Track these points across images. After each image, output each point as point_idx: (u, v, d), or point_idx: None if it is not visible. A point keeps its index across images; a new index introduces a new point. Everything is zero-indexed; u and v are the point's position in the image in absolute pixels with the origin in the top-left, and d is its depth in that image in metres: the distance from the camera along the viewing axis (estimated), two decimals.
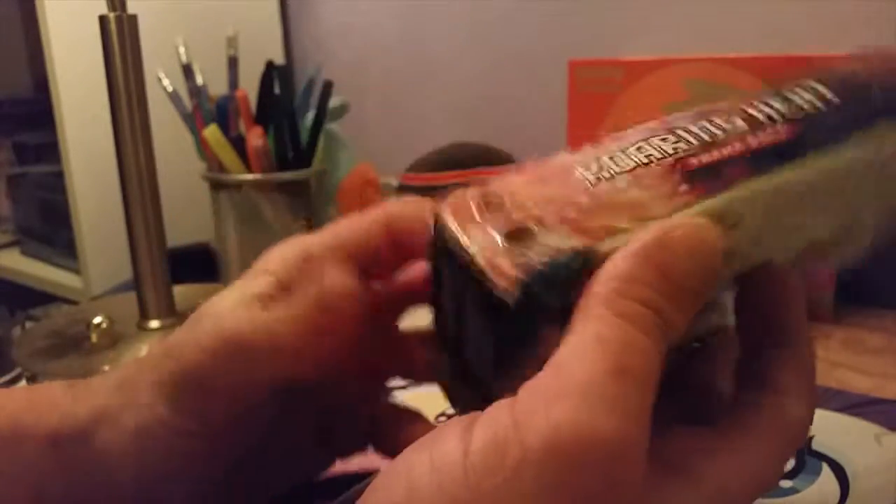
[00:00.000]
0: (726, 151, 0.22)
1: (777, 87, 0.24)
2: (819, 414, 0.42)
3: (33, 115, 1.15)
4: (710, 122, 0.23)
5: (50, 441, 0.25)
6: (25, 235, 1.04)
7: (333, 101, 0.71)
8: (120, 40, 0.48)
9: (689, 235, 0.19)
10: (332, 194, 0.74)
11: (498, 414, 0.16)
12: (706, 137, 0.22)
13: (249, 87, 0.68)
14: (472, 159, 0.64)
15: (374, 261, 0.25)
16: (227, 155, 0.65)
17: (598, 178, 0.22)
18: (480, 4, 0.84)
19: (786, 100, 0.23)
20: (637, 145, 0.23)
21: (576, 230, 0.20)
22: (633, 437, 0.16)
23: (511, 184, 0.22)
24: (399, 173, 0.70)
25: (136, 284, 0.51)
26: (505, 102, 0.82)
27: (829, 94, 0.23)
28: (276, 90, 0.67)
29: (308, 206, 0.67)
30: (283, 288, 0.24)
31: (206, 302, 0.25)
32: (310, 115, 0.70)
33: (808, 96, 0.23)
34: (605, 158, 0.22)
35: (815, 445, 0.38)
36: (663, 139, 0.23)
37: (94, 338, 0.48)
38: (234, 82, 0.70)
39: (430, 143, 0.71)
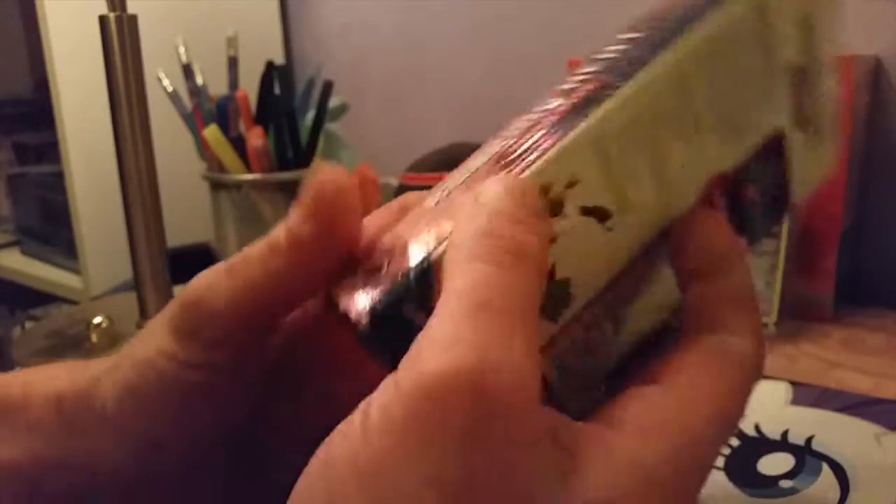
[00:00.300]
0: (540, 126, 0.22)
1: (590, 55, 0.25)
2: (819, 414, 0.42)
3: (33, 115, 1.15)
4: (531, 111, 0.24)
5: (55, 402, 0.25)
6: (25, 235, 1.04)
7: (333, 101, 0.71)
8: (120, 40, 0.48)
9: (495, 183, 0.20)
10: None
11: (386, 384, 0.17)
12: (525, 125, 0.23)
13: (249, 87, 0.68)
14: None
15: None
16: (227, 155, 0.65)
17: (439, 199, 0.23)
18: (480, 4, 0.84)
19: (597, 60, 0.24)
20: (473, 160, 0.24)
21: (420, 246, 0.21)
22: (496, 364, 0.16)
23: (375, 237, 0.24)
24: (399, 173, 0.70)
25: (136, 284, 0.51)
26: (505, 102, 0.82)
27: (632, 34, 0.24)
28: (276, 90, 0.67)
29: None
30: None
31: None
32: (310, 115, 0.70)
33: (616, 46, 0.24)
34: (449, 182, 0.24)
35: (815, 445, 0.38)
36: (491, 146, 0.24)
37: (94, 338, 0.48)
38: (234, 82, 0.70)
39: (430, 143, 0.71)
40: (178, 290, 0.53)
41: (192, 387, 0.24)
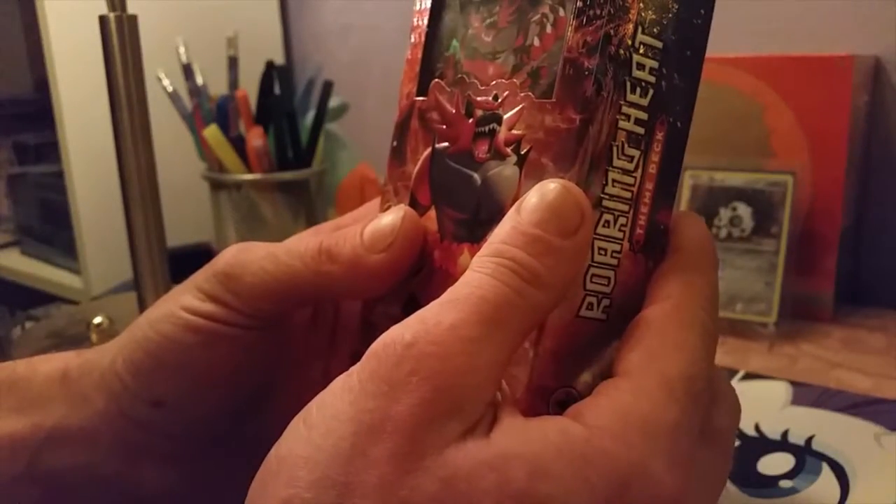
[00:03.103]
0: None
1: None
2: (819, 414, 0.42)
3: (33, 115, 1.15)
4: None
5: (61, 373, 0.27)
6: (25, 235, 1.04)
7: (333, 101, 0.71)
8: (120, 40, 0.48)
9: (536, 191, 0.21)
10: (332, 194, 0.74)
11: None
12: None
13: (249, 87, 0.68)
14: None
15: None
16: (227, 155, 0.65)
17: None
18: None
19: None
20: None
21: None
22: (424, 336, 0.19)
23: None
24: None
25: (136, 284, 0.51)
26: None
27: None
28: (276, 90, 0.67)
29: (308, 206, 0.67)
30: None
31: None
32: (310, 115, 0.70)
33: None
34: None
35: (815, 445, 0.38)
36: None
37: (94, 338, 0.48)
38: (234, 82, 0.70)
39: None
40: None
41: (203, 344, 0.25)
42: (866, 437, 0.39)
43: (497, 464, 0.18)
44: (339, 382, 0.20)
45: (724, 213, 0.56)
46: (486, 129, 0.24)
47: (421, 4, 0.27)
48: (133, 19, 0.49)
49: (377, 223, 0.25)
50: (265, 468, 0.19)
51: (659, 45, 0.22)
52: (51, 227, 0.97)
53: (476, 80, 0.25)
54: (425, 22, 0.27)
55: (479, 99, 0.24)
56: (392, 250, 0.25)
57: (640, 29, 0.22)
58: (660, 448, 0.19)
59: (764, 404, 0.43)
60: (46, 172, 0.97)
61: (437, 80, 0.26)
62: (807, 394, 0.45)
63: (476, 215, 0.24)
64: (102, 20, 0.48)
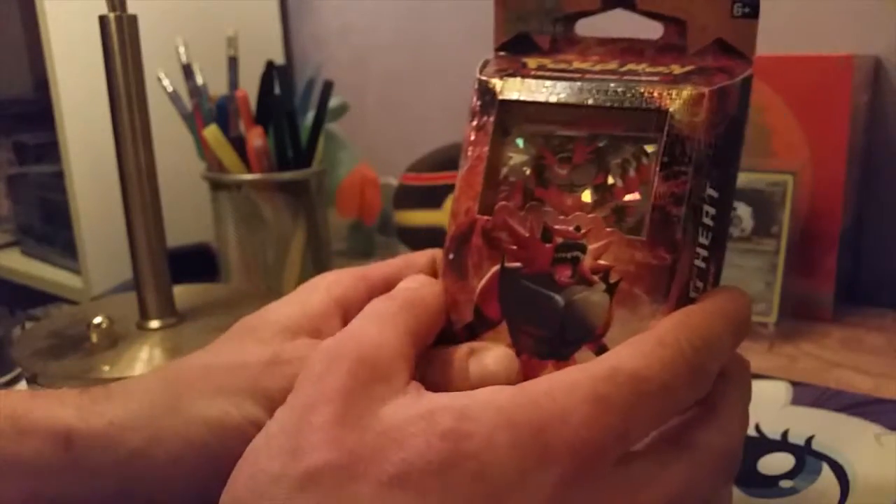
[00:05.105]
0: None
1: None
2: (819, 414, 0.42)
3: (33, 115, 1.15)
4: None
5: (63, 438, 0.24)
6: (25, 235, 1.04)
7: (333, 101, 0.71)
8: (120, 40, 0.48)
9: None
10: (332, 194, 0.74)
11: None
12: None
13: (249, 87, 0.68)
14: None
15: None
16: (227, 155, 0.65)
17: None
18: (480, 4, 0.84)
19: None
20: None
21: None
22: (351, 336, 0.24)
23: None
24: (399, 173, 0.70)
25: (136, 284, 0.51)
26: None
27: None
28: (276, 90, 0.67)
29: (308, 206, 0.67)
30: None
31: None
32: (310, 115, 0.70)
33: None
34: None
35: (815, 445, 0.38)
36: None
37: (94, 338, 0.48)
38: (234, 82, 0.70)
39: (430, 143, 0.71)
40: (178, 291, 0.53)
41: None
42: (866, 437, 0.39)
43: (426, 414, 0.21)
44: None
45: None
46: (568, 255, 0.26)
47: (478, 123, 0.29)
48: (133, 19, 0.49)
49: (485, 368, 0.26)
50: (235, 468, 0.22)
51: (717, 194, 0.26)
52: (51, 227, 0.97)
53: (551, 209, 0.27)
54: (486, 143, 0.29)
55: (557, 227, 0.26)
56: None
57: (708, 183, 0.25)
58: (582, 406, 0.21)
59: (764, 404, 0.43)
60: (46, 172, 0.97)
61: (503, 202, 0.28)
62: (807, 394, 0.45)
63: (562, 335, 0.26)
64: (102, 20, 0.48)
